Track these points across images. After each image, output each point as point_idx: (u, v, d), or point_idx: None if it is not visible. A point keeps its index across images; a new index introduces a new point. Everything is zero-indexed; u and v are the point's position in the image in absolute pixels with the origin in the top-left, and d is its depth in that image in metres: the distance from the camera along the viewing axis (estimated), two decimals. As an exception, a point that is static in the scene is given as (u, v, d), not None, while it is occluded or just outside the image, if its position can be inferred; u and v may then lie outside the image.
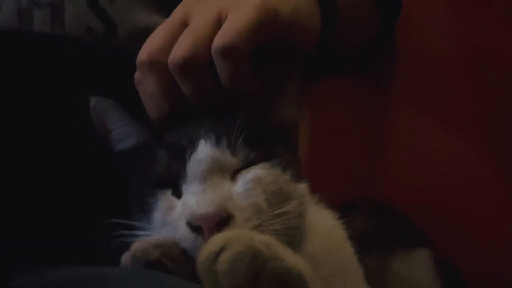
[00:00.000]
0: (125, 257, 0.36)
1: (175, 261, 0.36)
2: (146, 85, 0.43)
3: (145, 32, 0.50)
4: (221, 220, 0.35)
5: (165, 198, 0.39)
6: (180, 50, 0.41)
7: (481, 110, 0.72)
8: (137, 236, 0.38)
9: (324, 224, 0.44)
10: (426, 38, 0.75)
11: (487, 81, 0.71)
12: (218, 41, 0.40)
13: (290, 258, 0.29)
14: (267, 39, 0.43)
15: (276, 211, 0.38)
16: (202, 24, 0.42)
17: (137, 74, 0.45)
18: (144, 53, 0.43)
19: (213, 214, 0.35)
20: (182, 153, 0.39)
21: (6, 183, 0.42)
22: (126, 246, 0.38)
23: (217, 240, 0.29)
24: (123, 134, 0.43)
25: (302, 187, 0.43)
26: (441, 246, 0.60)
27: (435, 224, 0.67)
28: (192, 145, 0.39)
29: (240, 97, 0.43)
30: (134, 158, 0.43)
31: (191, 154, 0.38)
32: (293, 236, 0.39)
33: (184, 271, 0.36)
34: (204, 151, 0.38)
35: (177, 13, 0.45)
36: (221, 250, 0.28)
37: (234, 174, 0.39)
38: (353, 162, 0.77)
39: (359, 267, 0.44)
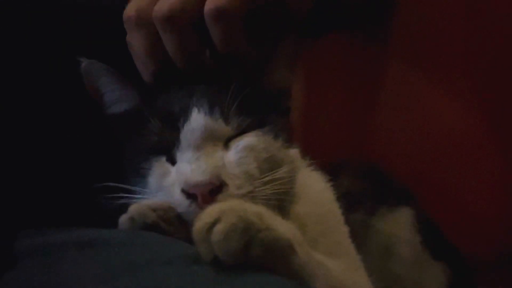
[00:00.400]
0: (123, 219, 0.38)
1: (171, 223, 0.38)
2: (132, 42, 0.43)
3: None
4: (215, 188, 0.37)
5: (160, 165, 0.40)
6: (167, 3, 0.40)
7: (478, 73, 0.72)
8: (133, 199, 0.40)
9: (313, 186, 0.46)
10: None
11: (486, 43, 0.71)
12: (211, 3, 0.40)
13: (281, 226, 0.31)
14: (259, 2, 0.43)
15: (267, 178, 0.40)
16: None
17: (127, 37, 0.44)
18: (132, 8, 0.42)
19: (206, 182, 0.37)
20: (175, 121, 0.40)
21: (3, 144, 0.43)
22: (123, 207, 0.40)
23: (212, 211, 0.30)
24: (115, 97, 0.44)
25: (293, 152, 0.44)
26: (428, 206, 0.63)
27: (424, 184, 0.70)
28: (185, 113, 0.40)
29: (231, 62, 0.44)
30: (127, 122, 0.44)
31: (184, 122, 0.39)
32: (284, 200, 0.41)
33: (179, 233, 0.38)
34: (198, 120, 0.39)
35: None
36: (216, 221, 0.30)
37: (227, 142, 0.40)
38: (346, 121, 0.77)
39: (345, 227, 0.46)
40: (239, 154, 0.39)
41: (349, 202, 0.49)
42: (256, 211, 0.31)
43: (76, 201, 0.42)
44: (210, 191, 0.37)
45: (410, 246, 0.54)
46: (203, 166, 0.38)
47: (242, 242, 0.29)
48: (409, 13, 0.75)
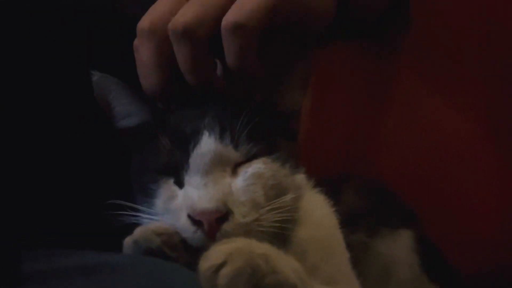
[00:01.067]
0: (128, 242, 0.38)
1: (175, 249, 0.38)
2: (142, 53, 0.43)
3: None
4: (221, 215, 0.37)
5: (167, 187, 0.40)
6: (183, 16, 0.40)
7: (488, 94, 0.72)
8: (139, 218, 0.40)
9: (316, 211, 0.46)
10: (441, 13, 0.74)
11: (498, 65, 0.71)
12: (231, 17, 0.40)
13: (287, 268, 0.32)
14: (279, 21, 0.42)
15: (273, 205, 0.40)
16: None
17: (136, 41, 0.44)
18: (146, 20, 0.42)
19: (213, 210, 0.37)
20: (185, 143, 0.40)
21: (10, 162, 0.43)
22: (129, 226, 0.40)
23: (219, 252, 0.31)
24: (125, 112, 0.44)
25: (300, 177, 0.44)
26: (430, 223, 0.63)
27: (427, 201, 0.70)
28: (195, 136, 0.40)
29: (241, 84, 0.43)
30: (136, 137, 0.44)
31: (194, 146, 0.39)
32: (287, 225, 0.41)
33: (182, 259, 0.38)
34: (208, 144, 0.39)
35: None
36: (223, 263, 0.30)
37: (235, 167, 0.40)
38: (351, 131, 0.78)
39: (346, 253, 0.46)
40: (247, 182, 0.39)
41: (350, 221, 0.49)
42: (262, 252, 0.31)
43: (84, 217, 0.42)
44: (216, 219, 0.37)
45: (409, 268, 0.54)
46: (210, 193, 0.38)
47: (248, 287, 0.29)
48: (421, 26, 0.74)
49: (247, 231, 0.38)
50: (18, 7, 0.46)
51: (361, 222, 0.55)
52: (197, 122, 0.41)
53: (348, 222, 0.48)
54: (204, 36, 0.40)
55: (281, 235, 0.40)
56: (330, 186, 0.49)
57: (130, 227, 0.40)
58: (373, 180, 0.63)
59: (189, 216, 0.38)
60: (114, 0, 0.50)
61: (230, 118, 0.40)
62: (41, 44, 0.47)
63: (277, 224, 0.39)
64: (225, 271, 0.29)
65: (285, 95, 0.44)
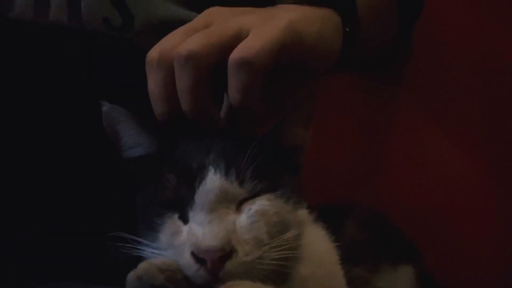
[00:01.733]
0: (131, 277, 0.38)
1: (178, 286, 0.38)
2: (150, 83, 0.43)
3: (162, 26, 0.50)
4: (225, 254, 0.37)
5: (172, 222, 0.40)
6: (189, 44, 0.41)
7: (486, 125, 0.73)
8: (142, 251, 0.41)
9: (318, 247, 0.46)
10: (441, 43, 0.75)
11: (496, 96, 0.72)
12: (238, 53, 0.40)
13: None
14: (286, 61, 0.43)
15: (276, 243, 0.40)
16: (221, 31, 0.42)
17: (148, 77, 0.44)
18: (156, 50, 0.43)
19: (217, 248, 0.37)
20: (191, 178, 0.40)
21: (14, 191, 0.43)
22: (132, 259, 0.40)
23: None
24: (133, 142, 0.44)
25: (302, 213, 0.45)
26: (431, 250, 0.63)
27: (428, 230, 0.70)
28: (201, 171, 0.40)
29: (244, 120, 0.44)
30: (142, 169, 0.44)
31: (200, 182, 0.40)
32: (288, 263, 0.41)
33: (186, 296, 0.38)
34: (213, 181, 0.40)
35: (200, 19, 0.45)
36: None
37: (239, 204, 0.40)
38: (352, 161, 0.79)
39: None
40: (251, 219, 0.40)
41: (352, 254, 0.49)
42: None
43: (89, 250, 0.42)
44: (220, 257, 0.37)
45: (409, 304, 0.54)
46: (215, 231, 0.38)
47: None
48: (422, 59, 0.76)
49: (249, 269, 0.38)
50: (29, 36, 0.48)
51: (363, 255, 0.55)
52: (203, 157, 0.41)
53: (350, 254, 0.48)
54: (206, 65, 0.41)
55: (281, 272, 0.40)
56: (332, 218, 0.49)
57: (133, 260, 0.40)
58: (375, 212, 0.63)
59: (193, 254, 0.38)
60: (125, 32, 0.51)
61: (235, 155, 0.41)
62: (52, 75, 0.48)
63: (279, 262, 0.40)
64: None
65: (289, 130, 0.45)
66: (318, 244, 0.46)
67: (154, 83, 0.43)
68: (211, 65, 0.41)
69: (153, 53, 0.43)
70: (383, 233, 0.60)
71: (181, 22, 0.48)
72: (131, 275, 0.39)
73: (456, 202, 0.74)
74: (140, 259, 0.40)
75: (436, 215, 0.74)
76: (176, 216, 0.40)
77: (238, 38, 0.41)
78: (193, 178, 0.40)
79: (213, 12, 0.45)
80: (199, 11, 0.47)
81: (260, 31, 0.41)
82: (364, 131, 0.80)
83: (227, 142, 0.42)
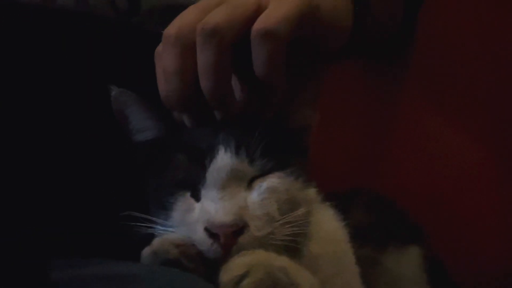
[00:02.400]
0: (146, 253, 0.39)
1: (192, 260, 0.39)
2: (165, 59, 0.42)
3: (167, 10, 0.50)
4: (237, 229, 0.38)
5: (184, 200, 0.41)
6: (214, 17, 0.40)
7: (492, 114, 0.74)
8: (155, 230, 0.41)
9: (327, 225, 0.47)
10: (446, 34, 0.75)
11: (503, 85, 0.73)
12: (261, 24, 0.40)
13: (305, 282, 0.32)
14: (303, 33, 0.43)
15: (286, 219, 0.41)
16: (241, 4, 0.41)
17: (158, 48, 0.44)
18: (174, 27, 0.42)
19: (230, 223, 0.38)
20: (201, 158, 0.41)
21: (27, 173, 0.44)
22: (147, 236, 0.41)
23: (240, 264, 0.32)
24: (141, 126, 0.45)
25: (311, 192, 0.45)
26: (437, 240, 0.64)
27: (433, 218, 0.71)
28: (211, 151, 0.41)
29: (256, 99, 0.44)
30: (151, 152, 0.45)
31: (211, 161, 0.41)
32: (299, 239, 0.42)
33: (199, 270, 0.39)
34: (224, 160, 0.40)
35: None
36: (244, 274, 0.31)
37: (250, 182, 0.41)
38: (357, 149, 0.79)
39: (356, 267, 0.47)
40: (262, 196, 0.41)
41: (359, 235, 0.50)
42: (281, 265, 0.32)
43: (103, 228, 0.43)
44: (233, 232, 0.38)
45: (417, 285, 0.55)
46: (227, 207, 0.39)
47: (268, 299, 0.30)
48: (427, 46, 0.76)
49: (261, 244, 0.39)
50: (37, 23, 0.48)
51: (370, 236, 0.56)
52: (212, 137, 0.42)
53: (357, 236, 0.49)
54: (231, 40, 0.40)
55: (292, 249, 0.41)
56: (340, 201, 0.50)
57: (147, 238, 0.41)
58: (382, 196, 0.64)
59: (206, 229, 0.39)
60: (131, 15, 0.52)
61: (244, 134, 0.42)
62: (60, 60, 0.48)
63: (290, 238, 0.40)
64: (246, 283, 0.30)
65: (297, 111, 0.45)
66: (327, 222, 0.47)
67: (169, 59, 0.42)
68: (234, 40, 0.41)
69: (171, 29, 0.42)
70: (390, 215, 0.60)
71: (184, 6, 0.48)
72: (146, 251, 0.39)
73: (463, 193, 0.74)
74: (152, 237, 0.41)
75: (443, 206, 0.74)
76: (188, 194, 0.41)
77: (258, 11, 0.41)
78: (204, 157, 0.41)
79: None
80: None
81: (279, 3, 0.41)
82: (370, 122, 0.80)
83: (235, 122, 0.43)
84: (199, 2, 0.43)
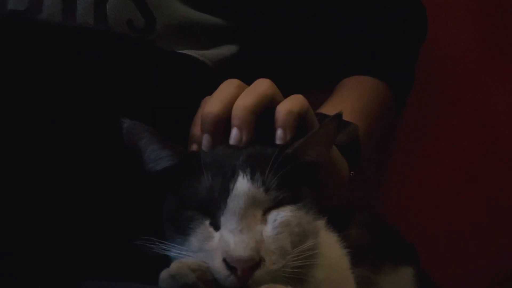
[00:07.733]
0: (164, 276, 0.41)
1: (208, 285, 0.41)
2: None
3: (182, 27, 0.53)
4: (254, 264, 0.41)
5: (204, 228, 0.43)
6: (246, 99, 0.48)
7: (487, 127, 0.76)
8: (170, 252, 0.44)
9: (331, 252, 0.49)
10: (445, 45, 0.77)
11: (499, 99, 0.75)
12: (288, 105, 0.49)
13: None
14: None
15: (298, 251, 0.43)
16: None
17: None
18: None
19: (249, 259, 0.40)
20: (224, 181, 0.43)
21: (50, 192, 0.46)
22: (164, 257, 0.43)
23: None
24: (156, 156, 0.47)
25: (320, 223, 0.48)
26: (431, 253, 0.67)
27: (429, 231, 0.74)
28: (232, 175, 0.43)
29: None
30: (168, 178, 0.47)
31: (232, 186, 0.42)
32: (307, 270, 0.45)
33: (216, 295, 0.41)
34: (243, 185, 0.42)
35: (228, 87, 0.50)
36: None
37: (264, 212, 0.43)
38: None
39: None
40: (276, 230, 0.43)
41: (356, 254, 0.53)
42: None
43: (119, 251, 0.45)
44: (250, 266, 0.40)
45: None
46: (245, 241, 0.41)
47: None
48: (426, 61, 0.77)
49: (274, 276, 0.41)
50: (57, 38, 0.49)
51: (366, 256, 0.58)
52: (233, 162, 0.44)
53: (354, 255, 0.52)
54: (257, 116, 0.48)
55: (299, 277, 0.43)
56: (335, 221, 0.52)
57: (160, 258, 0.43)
58: (377, 216, 0.66)
59: (224, 260, 0.41)
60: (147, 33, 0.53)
61: (259, 163, 0.44)
62: (79, 77, 0.49)
63: (299, 270, 0.43)
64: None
65: (312, 148, 0.47)
66: (331, 249, 0.50)
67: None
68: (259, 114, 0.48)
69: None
70: (385, 236, 0.63)
71: (199, 25, 0.53)
72: (165, 274, 0.41)
73: (457, 205, 0.77)
74: (165, 258, 0.43)
75: (437, 217, 0.78)
76: (207, 222, 0.43)
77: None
78: (226, 180, 0.43)
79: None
80: (215, 14, 0.51)
81: None
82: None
83: (252, 151, 0.46)
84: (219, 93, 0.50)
